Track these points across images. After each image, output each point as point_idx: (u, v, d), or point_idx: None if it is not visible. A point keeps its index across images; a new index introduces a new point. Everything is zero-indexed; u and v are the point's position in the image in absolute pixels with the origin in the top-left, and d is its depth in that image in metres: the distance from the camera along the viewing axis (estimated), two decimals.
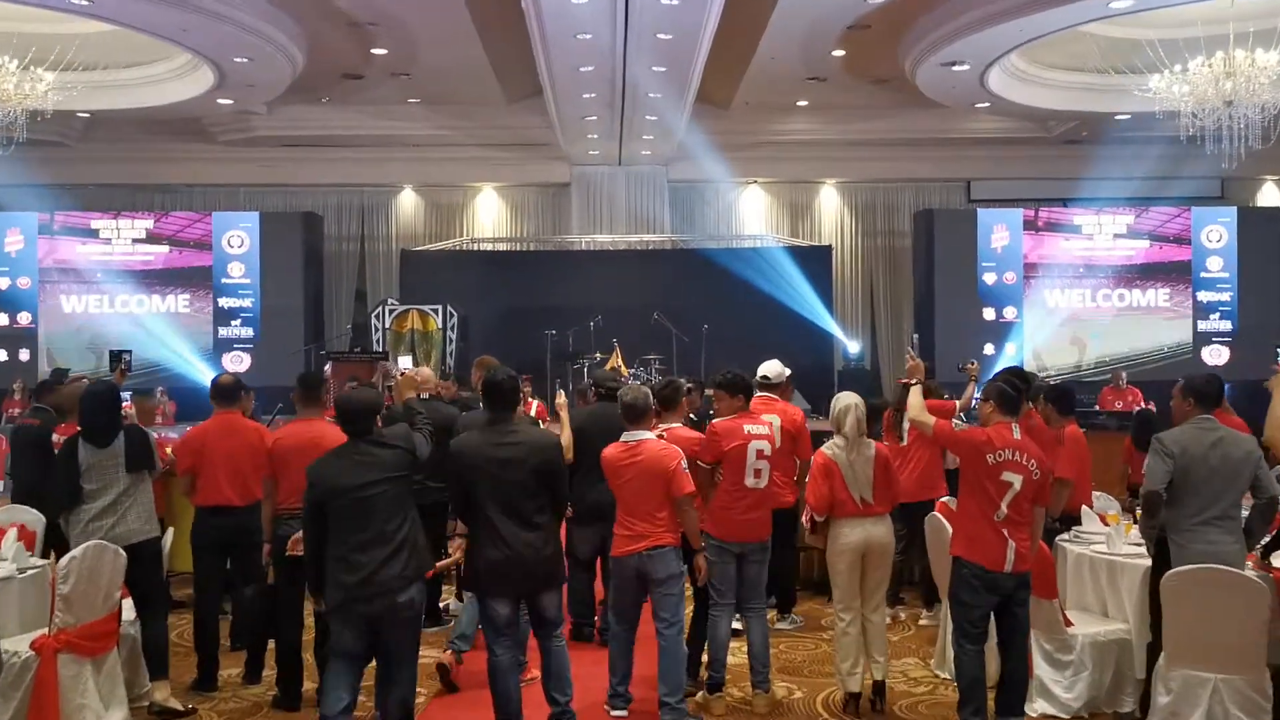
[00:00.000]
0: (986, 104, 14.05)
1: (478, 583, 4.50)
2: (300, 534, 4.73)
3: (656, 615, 4.82)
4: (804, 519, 5.20)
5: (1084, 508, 5.70)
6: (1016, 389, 4.76)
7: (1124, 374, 12.77)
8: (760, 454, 5.09)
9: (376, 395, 4.81)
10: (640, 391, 4.99)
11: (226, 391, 5.60)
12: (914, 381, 5.17)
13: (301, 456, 4.80)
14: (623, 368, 12.68)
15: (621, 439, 4.84)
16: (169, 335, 15.59)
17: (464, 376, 12.40)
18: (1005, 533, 4.48)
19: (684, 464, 4.76)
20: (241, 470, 5.44)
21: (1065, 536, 5.53)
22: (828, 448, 5.11)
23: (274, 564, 5.12)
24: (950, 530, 5.06)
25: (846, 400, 5.17)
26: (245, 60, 11.94)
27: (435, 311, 14.36)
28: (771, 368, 6.17)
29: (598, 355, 13.65)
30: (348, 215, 17.18)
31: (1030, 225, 16.01)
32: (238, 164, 16.32)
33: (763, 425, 5.19)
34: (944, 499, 5.88)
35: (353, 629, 4.14)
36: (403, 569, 4.12)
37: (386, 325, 14.37)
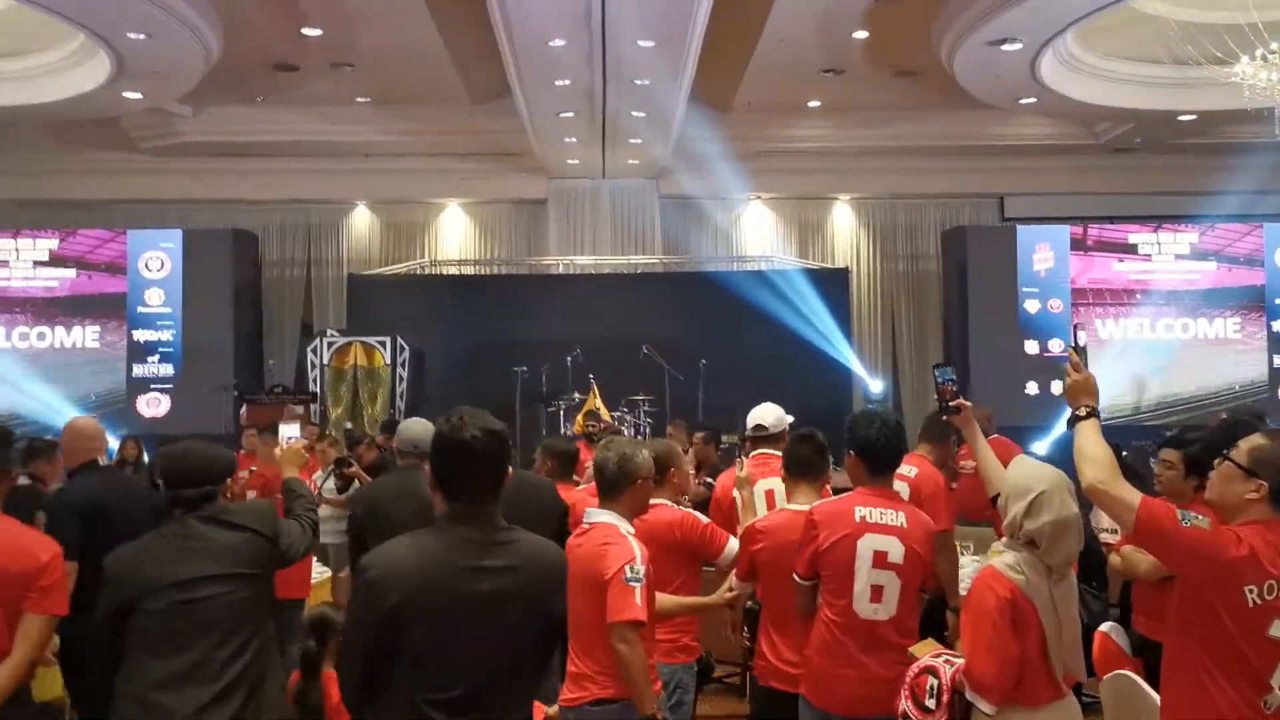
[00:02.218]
0: (1032, 99, 11.96)
1: None
2: None
3: None
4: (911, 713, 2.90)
5: None
6: None
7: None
8: (882, 558, 2.98)
9: (221, 452, 3.04)
10: (619, 450, 3.03)
11: None
12: (1084, 412, 2.72)
13: None
14: (603, 410, 10.43)
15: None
16: (23, 377, 13.06)
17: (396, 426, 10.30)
18: None
19: (630, 571, 2.85)
20: None
21: None
22: (1010, 571, 2.74)
23: None
24: (1155, 699, 2.87)
25: (1061, 510, 2.72)
26: (142, 37, 9.78)
27: (383, 345, 12.17)
28: (767, 414, 4.43)
29: (575, 396, 11.52)
30: (292, 236, 14.96)
31: (1078, 245, 13.85)
32: (163, 176, 14.12)
33: (892, 509, 3.10)
34: (1105, 627, 3.59)
35: None
36: None
37: (325, 361, 12.16)
